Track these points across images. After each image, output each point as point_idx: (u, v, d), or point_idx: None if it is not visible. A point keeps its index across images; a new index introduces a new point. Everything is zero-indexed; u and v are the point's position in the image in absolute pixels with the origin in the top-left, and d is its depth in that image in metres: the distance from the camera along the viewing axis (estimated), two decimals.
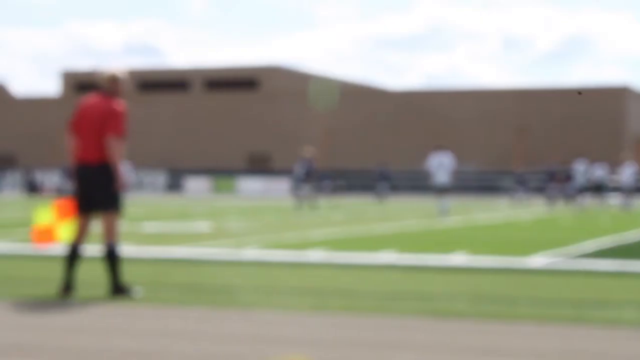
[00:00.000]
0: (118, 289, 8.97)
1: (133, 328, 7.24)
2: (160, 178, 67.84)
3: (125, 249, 14.23)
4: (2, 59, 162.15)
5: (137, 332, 7.06)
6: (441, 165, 28.49)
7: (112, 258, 8.98)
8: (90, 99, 9.21)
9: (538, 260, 12.90)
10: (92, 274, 10.54)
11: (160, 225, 21.84)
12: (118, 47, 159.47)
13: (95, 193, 9.00)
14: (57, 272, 10.43)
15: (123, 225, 21.59)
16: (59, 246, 9.50)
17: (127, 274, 10.80)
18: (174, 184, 66.65)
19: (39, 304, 8.46)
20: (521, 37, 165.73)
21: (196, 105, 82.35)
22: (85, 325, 7.38)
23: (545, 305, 8.39)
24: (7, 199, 48.30)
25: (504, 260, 12.78)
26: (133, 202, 41.51)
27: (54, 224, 9.25)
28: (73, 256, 9.05)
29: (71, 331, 7.06)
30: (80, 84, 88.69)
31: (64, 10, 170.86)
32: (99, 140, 8.95)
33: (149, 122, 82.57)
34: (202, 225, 21.71)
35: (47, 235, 9.29)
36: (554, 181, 40.49)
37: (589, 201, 39.57)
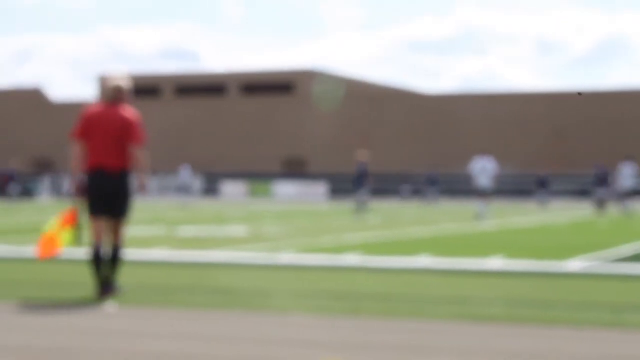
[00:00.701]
0: (108, 288, 9.22)
1: (170, 331, 7.29)
2: (196, 182, 68.14)
3: (163, 254, 14.32)
4: (40, 64, 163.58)
5: (175, 335, 7.11)
6: (484, 169, 29.02)
7: (117, 259, 9.33)
8: (98, 107, 9.44)
9: (575, 265, 12.83)
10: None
11: (197, 229, 21.94)
12: (154, 52, 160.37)
13: (114, 199, 9.31)
14: (78, 276, 10.50)
15: (161, 229, 21.71)
16: (63, 253, 9.67)
17: (165, 278, 10.88)
18: (210, 188, 66.91)
19: (70, 307, 8.54)
20: (556, 40, 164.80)
21: (232, 109, 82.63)
22: (121, 328, 7.45)
23: (582, 310, 8.36)
24: (43, 203, 48.72)
25: (540, 265, 12.73)
26: (170, 206, 41.70)
27: (56, 232, 9.43)
28: (98, 259, 9.28)
29: (108, 334, 7.12)
30: None
31: (99, 16, 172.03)
32: (119, 148, 9.26)
33: (185, 126, 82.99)
34: (239, 230, 21.79)
35: (50, 244, 9.45)
36: (602, 185, 39.74)
37: (634, 205, 39.25)
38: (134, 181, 9.46)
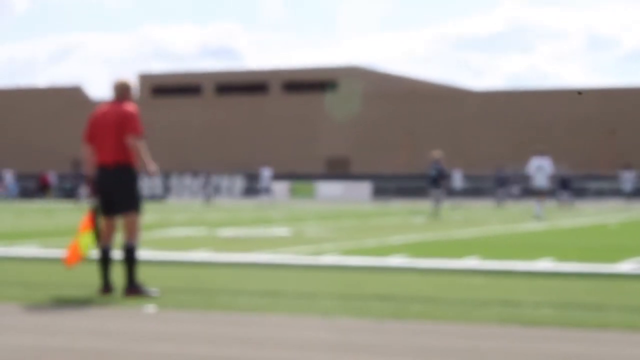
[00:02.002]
0: (132, 289, 9.34)
1: (212, 334, 7.35)
2: (238, 182, 68.39)
3: (204, 255, 14.42)
4: (80, 62, 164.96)
5: (216, 338, 7.17)
6: (540, 168, 29.57)
7: (129, 258, 9.40)
8: (102, 107, 9.72)
9: (627, 266, 12.75)
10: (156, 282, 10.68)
11: (239, 230, 22.05)
12: (195, 50, 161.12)
13: (115, 195, 9.50)
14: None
15: (201, 230, 21.84)
16: (89, 256, 9.78)
17: (206, 280, 10.95)
18: (251, 189, 67.06)
19: (105, 308, 8.63)
20: (606, 36, 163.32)
21: (274, 107, 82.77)
22: (161, 330, 7.51)
23: (635, 312, 8.31)
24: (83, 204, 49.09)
25: (592, 266, 12.66)
26: (211, 208, 41.92)
27: (77, 238, 9.60)
28: (105, 258, 9.49)
29: (146, 336, 7.19)
30: (156, 86, 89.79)
31: (140, 14, 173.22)
32: (115, 142, 9.47)
33: (226, 125, 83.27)
34: (281, 230, 21.86)
35: (73, 251, 9.62)
36: None
37: None
38: (137, 174, 9.55)
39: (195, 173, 69.43)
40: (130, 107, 9.60)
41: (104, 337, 7.16)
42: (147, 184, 70.35)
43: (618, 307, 8.66)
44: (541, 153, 30.30)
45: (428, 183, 34.43)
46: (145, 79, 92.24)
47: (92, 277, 10.63)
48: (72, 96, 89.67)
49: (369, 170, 73.05)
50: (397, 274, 11.65)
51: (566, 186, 49.09)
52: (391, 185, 65.93)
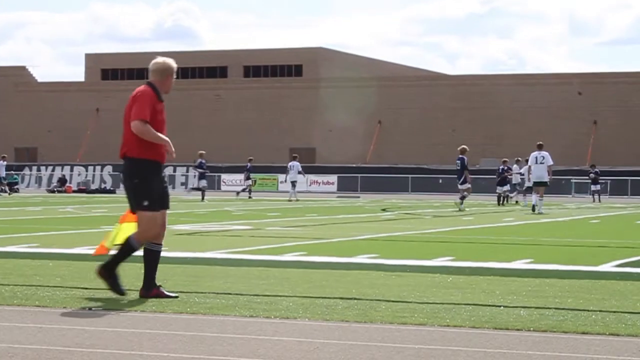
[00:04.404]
0: (145, 288, 9.32)
1: (163, 336, 7.35)
2: (191, 174, 68.19)
3: None
4: (25, 42, 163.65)
5: (168, 341, 7.17)
6: (539, 162, 31.94)
7: (123, 249, 9.37)
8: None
9: (609, 265, 12.86)
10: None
11: (194, 226, 21.97)
12: (148, 31, 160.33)
13: (125, 188, 9.48)
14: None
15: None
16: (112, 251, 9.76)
17: (160, 279, 10.92)
18: (210, 181, 66.75)
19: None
20: (588, 21, 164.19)
21: (234, 93, 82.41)
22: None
23: (617, 316, 8.37)
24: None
25: (571, 265, 12.75)
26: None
27: (114, 230, 9.70)
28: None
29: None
30: (106, 68, 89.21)
31: None
32: (127, 132, 9.32)
33: (182, 111, 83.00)
34: (240, 226, 21.83)
35: (104, 242, 9.77)
36: None
37: None
38: (144, 163, 9.31)
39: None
40: (139, 89, 9.41)
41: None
42: (97, 177, 70.03)
43: (599, 309, 8.74)
44: (540, 148, 32.34)
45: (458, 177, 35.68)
46: (93, 59, 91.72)
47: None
48: (17, 76, 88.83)
49: (335, 161, 73.00)
50: (363, 273, 11.68)
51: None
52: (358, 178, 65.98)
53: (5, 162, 53.12)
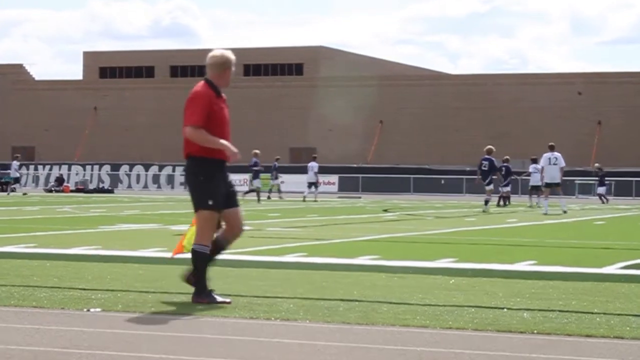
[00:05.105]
0: (197, 293, 9.12)
1: (164, 339, 7.35)
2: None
3: (153, 253, 14.35)
4: (22, 39, 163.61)
5: (168, 343, 7.16)
6: (552, 163, 32.63)
7: (195, 260, 9.12)
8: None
9: (614, 268, 12.85)
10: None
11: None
12: (146, 29, 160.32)
13: (188, 190, 9.27)
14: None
15: (153, 226, 21.75)
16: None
17: (158, 278, 10.90)
18: None
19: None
20: (590, 20, 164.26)
21: (233, 92, 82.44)
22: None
23: (621, 319, 8.37)
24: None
25: (575, 267, 12.75)
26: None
27: (189, 230, 9.62)
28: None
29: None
30: (104, 66, 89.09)
31: None
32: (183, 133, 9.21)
33: (181, 110, 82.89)
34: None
35: (180, 242, 9.70)
36: None
37: None
38: (204, 165, 9.14)
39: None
40: (195, 88, 9.20)
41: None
42: (95, 175, 70.06)
43: (603, 312, 8.73)
44: (552, 149, 33.03)
45: (483, 177, 35.99)
46: (91, 57, 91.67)
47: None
48: (14, 74, 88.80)
49: (336, 160, 72.96)
50: (364, 274, 11.67)
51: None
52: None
53: (19, 162, 53.81)
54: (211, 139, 9.05)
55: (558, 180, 32.79)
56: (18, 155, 56.42)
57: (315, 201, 45.27)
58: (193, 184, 9.18)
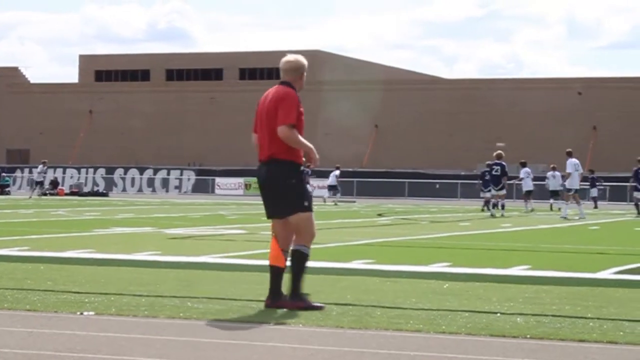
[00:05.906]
0: (293, 296, 9.12)
1: (154, 342, 7.35)
2: (189, 178, 68.10)
3: (148, 256, 14.34)
4: (18, 42, 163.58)
5: (161, 346, 7.16)
6: (576, 169, 33.25)
7: (298, 262, 9.16)
8: (268, 91, 9.34)
9: (608, 272, 12.86)
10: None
11: (189, 230, 21.97)
12: (141, 32, 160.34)
13: (266, 193, 9.19)
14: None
15: (146, 229, 21.75)
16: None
17: (151, 281, 10.89)
18: (202, 185, 66.66)
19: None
20: (587, 24, 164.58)
21: (229, 95, 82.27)
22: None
23: (615, 323, 8.38)
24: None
25: (569, 272, 12.76)
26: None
27: None
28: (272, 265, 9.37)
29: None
30: (100, 70, 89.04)
31: None
32: (270, 133, 9.06)
33: (177, 114, 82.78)
34: (235, 231, 21.79)
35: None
36: None
37: None
38: (293, 168, 9.09)
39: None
40: (281, 91, 9.13)
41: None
42: (90, 179, 70.02)
43: (597, 317, 8.74)
44: (571, 155, 33.74)
45: (492, 182, 36.27)
46: (86, 60, 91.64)
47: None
48: (9, 77, 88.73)
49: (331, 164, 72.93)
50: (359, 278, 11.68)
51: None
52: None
53: (46, 167, 54.27)
54: (302, 141, 9.04)
55: (578, 187, 33.59)
56: (45, 160, 56.68)
57: (335, 204, 47.00)
58: (283, 187, 9.09)
